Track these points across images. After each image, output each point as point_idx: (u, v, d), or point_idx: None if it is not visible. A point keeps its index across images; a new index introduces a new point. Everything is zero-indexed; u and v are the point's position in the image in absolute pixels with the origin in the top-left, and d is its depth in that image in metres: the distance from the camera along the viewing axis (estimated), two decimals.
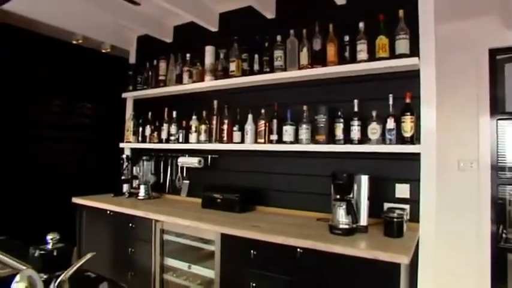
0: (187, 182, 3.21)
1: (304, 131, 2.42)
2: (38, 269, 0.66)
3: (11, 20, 3.45)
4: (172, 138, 3.14)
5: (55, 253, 0.77)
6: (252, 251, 2.03)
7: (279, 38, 2.57)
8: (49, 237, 0.81)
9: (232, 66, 2.77)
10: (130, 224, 2.71)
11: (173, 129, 3.14)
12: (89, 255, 0.82)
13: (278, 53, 2.56)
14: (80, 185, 3.89)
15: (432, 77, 2.12)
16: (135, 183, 3.40)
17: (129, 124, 3.53)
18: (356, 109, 2.26)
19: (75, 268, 0.69)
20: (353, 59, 2.26)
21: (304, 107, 2.44)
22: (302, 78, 2.53)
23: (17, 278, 0.59)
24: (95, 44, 4.27)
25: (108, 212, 2.87)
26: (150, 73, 3.44)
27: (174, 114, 3.17)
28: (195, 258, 2.46)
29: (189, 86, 3.04)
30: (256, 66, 2.67)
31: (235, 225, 2.18)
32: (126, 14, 3.12)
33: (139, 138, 3.45)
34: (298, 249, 1.86)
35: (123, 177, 3.39)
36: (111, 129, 4.34)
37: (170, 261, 2.55)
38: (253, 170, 2.82)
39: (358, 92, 2.34)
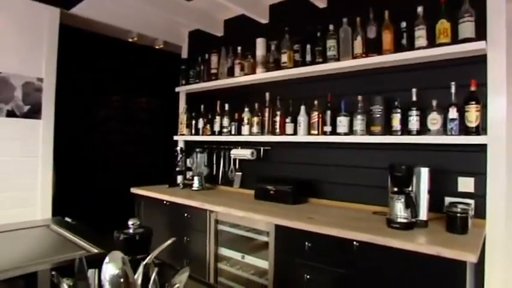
0: (240, 173, 3.26)
1: (359, 122, 2.36)
2: (122, 252, 0.70)
3: (77, 24, 3.68)
4: (224, 130, 3.20)
5: (137, 237, 0.82)
6: (306, 243, 2.03)
7: (331, 27, 2.51)
8: (130, 222, 0.86)
9: (284, 58, 2.75)
10: (185, 214, 2.81)
11: (225, 121, 3.20)
12: (170, 241, 0.86)
13: (331, 43, 2.51)
14: (137, 176, 4.11)
15: (502, 62, 1.95)
16: (188, 174, 3.52)
17: (183, 117, 3.65)
18: (414, 98, 2.16)
19: (159, 251, 0.73)
20: (411, 46, 2.16)
21: (359, 98, 2.38)
22: (356, 68, 2.46)
23: (107, 259, 0.63)
24: (149, 41, 4.45)
25: (165, 202, 3.00)
26: (202, 67, 3.52)
27: (227, 106, 3.22)
28: (248, 248, 2.50)
29: (240, 79, 3.07)
30: (308, 57, 2.64)
31: (289, 216, 2.19)
32: (178, 10, 3.20)
33: (193, 131, 3.55)
34: (355, 243, 1.83)
35: (177, 169, 3.52)
36: (166, 123, 4.53)
37: (224, 251, 2.62)
38: (306, 162, 2.81)
39: (417, 81, 2.23)
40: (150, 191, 3.17)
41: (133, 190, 3.34)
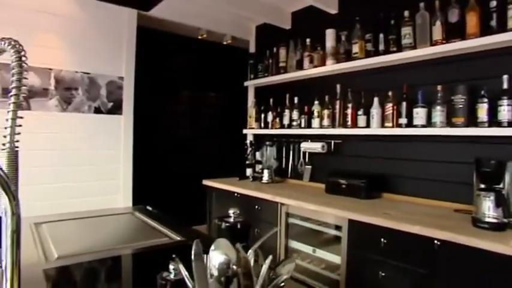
0: (310, 167, 3.25)
1: (439, 113, 2.21)
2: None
3: (151, 24, 3.92)
4: (294, 123, 3.21)
5: (238, 226, 0.86)
6: (382, 239, 1.97)
7: (406, 13, 2.37)
8: (231, 211, 0.90)
9: (355, 48, 2.67)
10: (256, 206, 2.88)
11: (295, 114, 3.20)
12: (272, 231, 0.89)
13: (406, 30, 2.37)
14: (208, 168, 4.30)
15: None
16: (258, 167, 3.60)
17: (252, 111, 3.72)
18: (505, 86, 1.96)
19: (263, 240, 0.77)
20: (501, 28, 1.96)
21: (438, 87, 2.22)
22: (435, 56, 2.30)
23: (213, 246, 0.68)
24: (217, 37, 4.58)
25: (236, 194, 3.10)
26: (270, 61, 3.55)
27: (296, 99, 3.22)
28: (318, 242, 2.49)
29: (310, 71, 3.04)
30: (381, 46, 2.53)
31: (363, 211, 2.14)
32: (245, 5, 3.25)
33: (262, 125, 3.61)
34: (436, 241, 1.74)
35: (247, 162, 3.60)
36: (234, 117, 4.66)
37: (294, 244, 2.64)
38: (380, 156, 2.71)
39: (508, 66, 2.03)
40: (222, 183, 3.29)
41: (205, 182, 3.49)
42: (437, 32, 2.21)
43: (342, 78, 2.91)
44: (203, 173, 3.73)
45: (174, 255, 0.72)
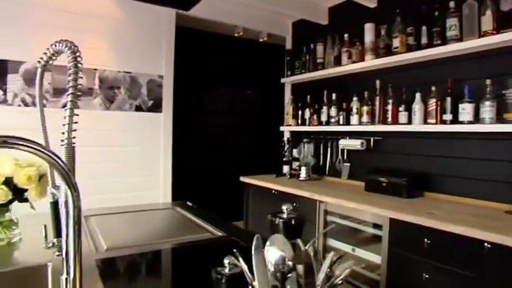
0: (348, 164, 3.19)
1: (488, 109, 2.10)
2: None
3: (188, 23, 4.00)
4: (332, 120, 3.17)
5: (293, 222, 0.86)
6: (425, 240, 1.91)
7: (451, 4, 2.27)
8: (284, 207, 0.91)
9: (396, 42, 2.59)
10: (294, 204, 2.87)
11: (333, 111, 3.15)
12: (330, 227, 0.89)
13: (451, 21, 2.27)
14: (244, 165, 4.33)
15: None
16: (294, 164, 3.58)
17: (289, 108, 3.71)
18: None
19: (322, 233, 0.77)
20: None
21: (487, 81, 2.11)
22: (484, 48, 2.18)
23: (268, 242, 0.68)
24: (253, 35, 4.60)
25: (273, 191, 3.11)
26: (307, 57, 3.52)
27: (334, 96, 3.18)
28: (357, 241, 2.45)
29: (348, 67, 2.98)
30: (424, 40, 2.43)
31: (405, 210, 2.07)
32: (281, 1, 3.24)
33: (299, 121, 3.59)
34: (486, 244, 1.66)
35: (284, 159, 3.60)
36: (271, 114, 4.67)
37: (333, 242, 2.61)
38: (422, 153, 2.61)
39: None
40: (259, 180, 3.31)
41: (243, 179, 3.52)
42: (487, 22, 2.10)
43: (381, 73, 2.83)
44: (240, 169, 3.77)
45: (234, 250, 0.74)
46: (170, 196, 3.38)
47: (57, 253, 1.01)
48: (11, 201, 1.25)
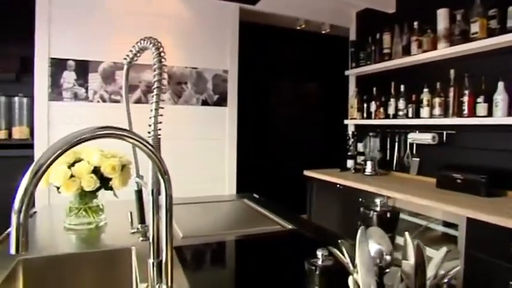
0: (417, 159, 3.03)
1: None
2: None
3: (251, 18, 4.04)
4: (400, 113, 3.02)
5: (388, 215, 0.85)
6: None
7: None
8: (378, 200, 0.89)
9: (474, 27, 2.39)
10: (360, 199, 2.80)
11: (401, 104, 3.01)
12: (423, 227, 0.87)
13: None
14: (307, 159, 4.30)
15: None
16: (359, 159, 3.48)
17: (353, 101, 3.60)
18: None
19: (420, 230, 0.75)
20: None
21: None
22: None
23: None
24: (315, 27, 4.52)
25: (338, 185, 3.05)
26: (372, 48, 3.39)
27: (402, 88, 3.02)
28: (427, 240, 2.32)
29: (418, 57, 2.82)
30: (510, 23, 2.22)
31: (485, 210, 1.92)
32: None
33: (364, 115, 3.48)
34: None
35: (349, 153, 3.51)
36: (334, 107, 4.57)
37: (400, 240, 2.49)
38: (504, 148, 2.39)
39: None
40: (323, 175, 3.27)
41: (306, 173, 3.50)
42: None
43: (456, 62, 2.63)
44: (303, 163, 3.75)
45: (340, 240, 0.74)
46: (235, 188, 3.47)
47: (141, 238, 1.09)
48: (98, 189, 1.36)
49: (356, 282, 0.64)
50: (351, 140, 3.51)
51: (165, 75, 0.88)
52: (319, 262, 0.76)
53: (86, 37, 2.86)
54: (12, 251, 0.49)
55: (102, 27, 2.91)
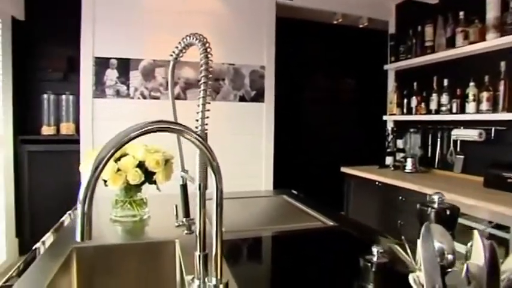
0: (462, 156, 2.89)
1: None
2: None
3: (287, 14, 4.01)
4: (443, 108, 2.90)
5: (448, 212, 0.81)
6: None
7: None
8: (436, 196, 0.87)
9: None
10: (400, 197, 2.72)
11: (444, 98, 2.88)
12: (487, 227, 0.83)
13: None
14: (344, 156, 4.22)
15: None
16: (398, 156, 3.38)
17: (392, 96, 3.50)
18: None
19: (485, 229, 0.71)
20: None
21: None
22: None
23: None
24: (352, 21, 4.42)
25: (377, 183, 2.98)
26: (413, 41, 3.27)
27: (445, 82, 2.90)
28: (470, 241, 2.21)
29: (464, 49, 2.69)
30: None
31: None
32: None
33: (404, 110, 3.36)
34: None
35: (388, 150, 3.42)
36: (372, 102, 4.45)
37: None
38: None
39: None
40: (361, 171, 3.20)
41: (344, 169, 3.44)
42: None
43: (507, 53, 2.49)
44: (340, 159, 3.68)
45: (402, 237, 0.73)
46: (271, 184, 3.46)
47: (186, 231, 1.11)
48: (143, 183, 1.40)
49: (418, 281, 0.62)
50: (390, 137, 3.41)
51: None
52: (375, 259, 0.74)
53: (127, 36, 2.96)
54: (78, 238, 0.52)
55: (142, 26, 2.99)
